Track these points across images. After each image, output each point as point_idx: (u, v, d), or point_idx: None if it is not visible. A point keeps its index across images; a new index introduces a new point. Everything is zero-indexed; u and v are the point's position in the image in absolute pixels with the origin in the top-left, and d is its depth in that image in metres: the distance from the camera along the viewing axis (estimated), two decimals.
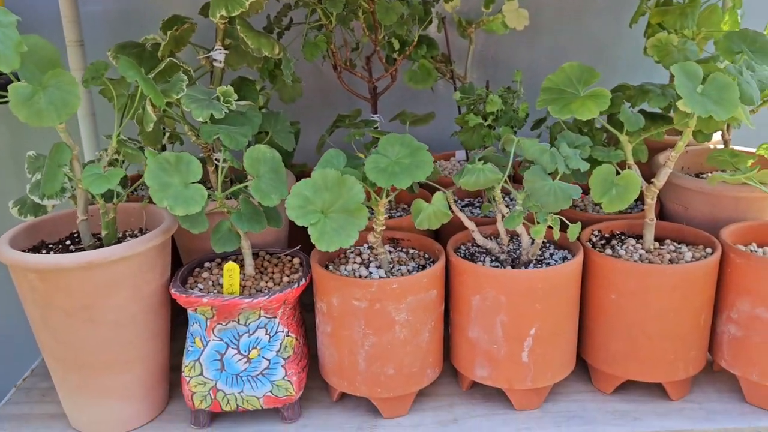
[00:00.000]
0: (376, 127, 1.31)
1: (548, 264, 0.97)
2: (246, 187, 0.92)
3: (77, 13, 1.33)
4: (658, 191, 0.96)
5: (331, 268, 0.99)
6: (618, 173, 0.92)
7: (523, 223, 0.94)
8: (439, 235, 1.15)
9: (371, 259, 1.01)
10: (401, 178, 0.86)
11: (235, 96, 0.98)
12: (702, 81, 0.87)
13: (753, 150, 1.17)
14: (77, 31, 1.33)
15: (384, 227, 0.95)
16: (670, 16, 1.17)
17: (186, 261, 1.11)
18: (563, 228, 0.92)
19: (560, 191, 0.86)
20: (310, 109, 1.45)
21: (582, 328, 1.01)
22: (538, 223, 0.89)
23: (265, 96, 1.27)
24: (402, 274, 0.97)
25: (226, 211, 0.93)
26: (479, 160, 0.94)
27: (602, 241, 1.04)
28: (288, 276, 0.99)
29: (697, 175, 1.22)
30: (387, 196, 0.92)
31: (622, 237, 1.05)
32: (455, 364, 1.01)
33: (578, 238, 0.99)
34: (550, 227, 0.91)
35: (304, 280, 0.95)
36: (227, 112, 0.95)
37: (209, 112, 0.93)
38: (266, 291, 0.93)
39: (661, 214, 1.17)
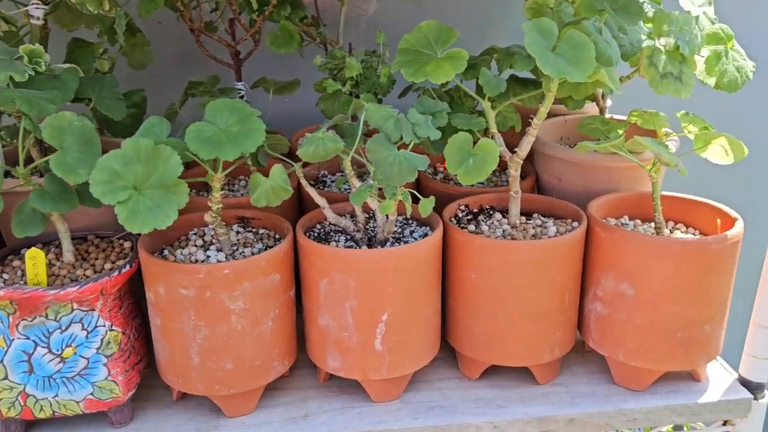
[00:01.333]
0: (242, 96, 1.20)
1: (406, 242, 0.89)
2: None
3: None
4: (521, 161, 0.89)
5: (166, 252, 0.88)
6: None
7: (378, 199, 0.85)
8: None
9: (214, 240, 0.91)
10: (227, 149, 0.75)
11: (47, 57, 0.85)
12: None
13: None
14: None
15: (220, 205, 0.84)
16: None
17: None
18: (417, 202, 0.84)
19: (405, 162, 0.77)
20: (171, 76, 1.32)
21: (446, 310, 0.93)
22: (388, 198, 0.81)
23: (110, 60, 1.13)
24: (245, 257, 0.87)
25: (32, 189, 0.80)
26: (330, 128, 0.85)
27: (469, 217, 0.97)
28: (114, 262, 0.87)
29: (575, 145, 1.16)
30: (224, 169, 0.82)
31: (491, 212, 0.98)
32: (309, 355, 0.92)
33: (441, 214, 0.92)
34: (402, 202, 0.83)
35: (128, 266, 0.83)
36: (33, 74, 0.82)
37: (8, 74, 0.80)
38: (80, 280, 0.81)
39: (538, 187, 1.11)
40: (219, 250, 0.88)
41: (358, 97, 1.02)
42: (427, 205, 0.82)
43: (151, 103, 1.12)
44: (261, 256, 0.82)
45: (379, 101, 1.05)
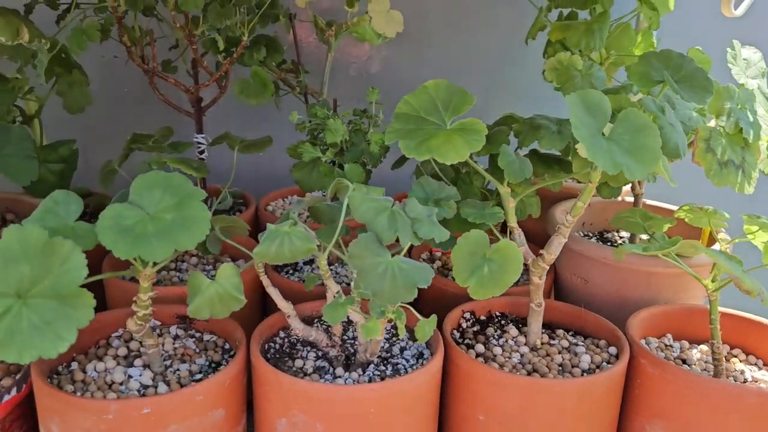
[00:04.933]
0: (201, 152, 1.00)
1: (396, 366, 0.68)
2: None
3: None
4: (547, 267, 0.69)
5: (75, 366, 0.66)
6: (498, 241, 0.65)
7: (360, 313, 0.64)
8: None
9: (143, 350, 0.69)
10: (153, 245, 0.54)
11: None
12: (612, 119, 0.61)
13: (670, 207, 0.94)
14: None
15: (149, 309, 0.63)
16: (573, 33, 0.92)
17: None
18: (413, 322, 0.63)
19: (401, 275, 0.56)
20: (116, 124, 1.10)
21: None
22: (374, 317, 0.60)
23: (38, 101, 0.92)
24: (180, 378, 0.65)
25: None
26: (296, 214, 0.64)
27: (475, 328, 0.76)
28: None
29: (601, 235, 0.97)
30: (154, 264, 0.61)
31: (502, 321, 0.78)
32: None
33: (440, 324, 0.71)
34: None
35: (15, 390, 0.61)
36: None
37: None
38: None
39: (556, 287, 0.91)
40: (146, 365, 0.66)
41: (341, 167, 0.82)
42: (426, 329, 0.61)
43: (85, 158, 0.91)
44: (197, 388, 0.60)
45: (368, 173, 0.85)
